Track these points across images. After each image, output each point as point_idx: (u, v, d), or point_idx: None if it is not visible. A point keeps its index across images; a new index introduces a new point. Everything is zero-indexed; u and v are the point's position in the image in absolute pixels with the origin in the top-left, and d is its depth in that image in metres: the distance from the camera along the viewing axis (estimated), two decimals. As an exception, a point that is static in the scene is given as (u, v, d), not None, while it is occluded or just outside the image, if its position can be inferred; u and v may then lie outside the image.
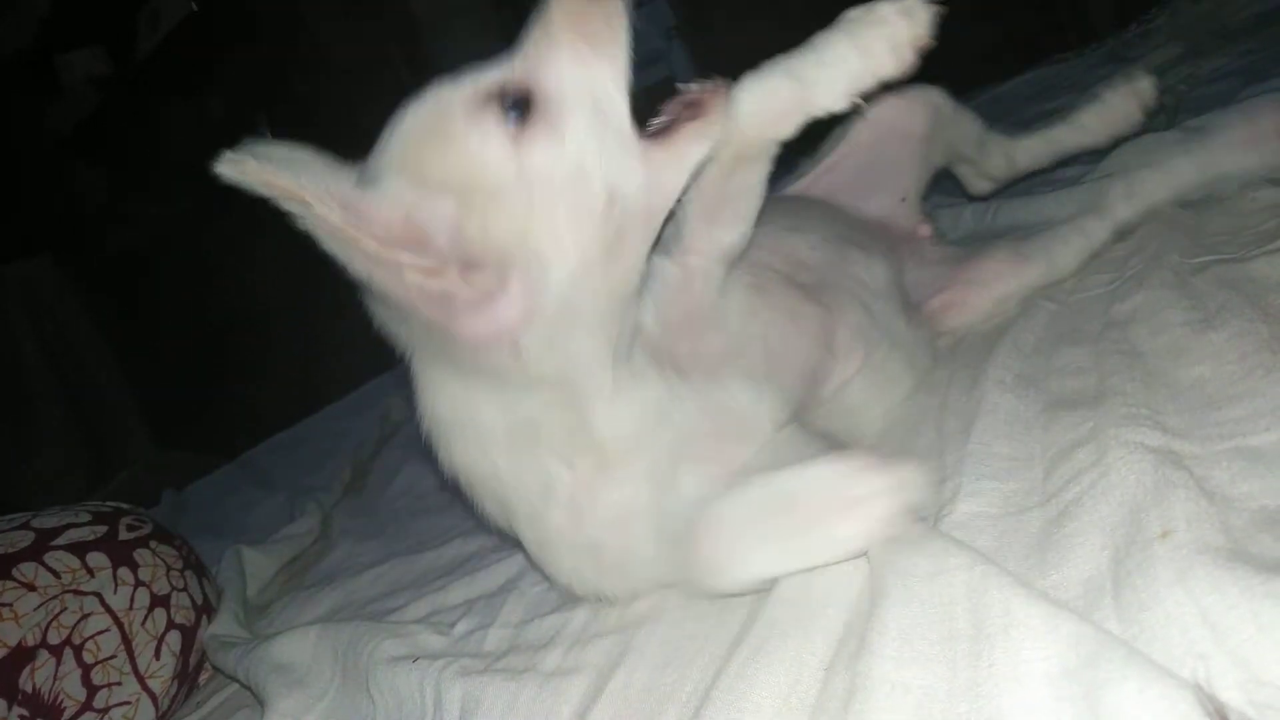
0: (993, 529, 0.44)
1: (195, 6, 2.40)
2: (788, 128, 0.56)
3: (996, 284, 0.74)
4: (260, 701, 0.65)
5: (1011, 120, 1.28)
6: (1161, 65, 1.19)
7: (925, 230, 0.86)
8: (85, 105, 2.66)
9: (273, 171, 0.44)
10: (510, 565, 0.70)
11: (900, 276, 0.76)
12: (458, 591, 0.70)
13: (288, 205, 0.45)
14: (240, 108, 2.62)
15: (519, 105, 0.48)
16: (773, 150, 0.57)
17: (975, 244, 0.87)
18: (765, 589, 0.48)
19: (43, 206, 2.67)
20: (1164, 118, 1.00)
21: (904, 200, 0.83)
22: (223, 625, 0.78)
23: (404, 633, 0.63)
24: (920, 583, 0.39)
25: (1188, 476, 0.40)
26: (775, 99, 0.55)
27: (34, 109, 2.70)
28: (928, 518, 0.46)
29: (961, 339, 0.73)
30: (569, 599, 0.59)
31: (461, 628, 0.64)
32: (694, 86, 0.53)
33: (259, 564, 0.94)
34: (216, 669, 0.76)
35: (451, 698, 0.53)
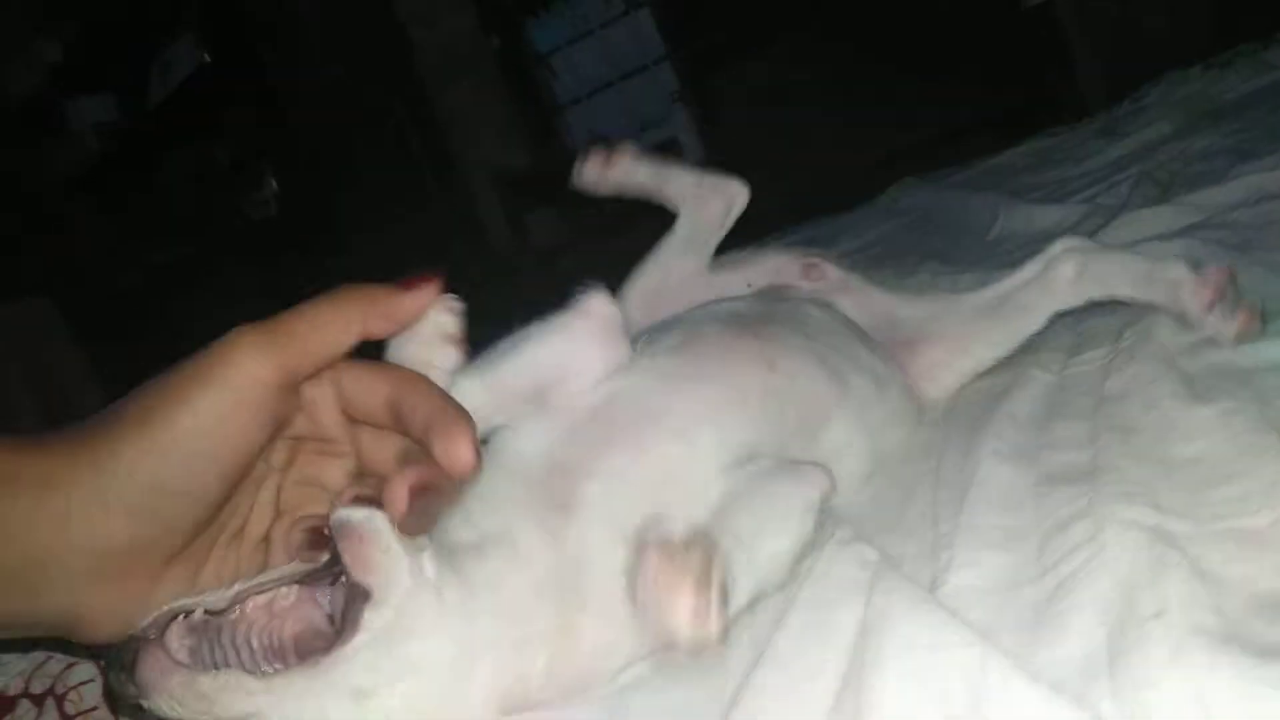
0: (985, 603, 0.43)
1: (208, 58, 2.45)
2: None
3: (937, 374, 0.75)
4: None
5: (1004, 189, 1.31)
6: (1153, 142, 1.22)
7: (814, 262, 0.85)
8: (91, 151, 2.70)
9: None
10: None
11: (849, 322, 0.77)
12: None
13: None
14: (245, 159, 2.66)
15: None
16: None
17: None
18: (756, 651, 0.48)
19: (43, 249, 2.68)
20: (1157, 192, 1.03)
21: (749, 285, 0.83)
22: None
23: None
24: (920, 655, 0.39)
25: (1181, 556, 0.40)
26: None
27: (40, 153, 2.74)
28: (924, 586, 0.46)
29: (946, 407, 0.73)
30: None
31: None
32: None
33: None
34: None
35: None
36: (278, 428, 0.45)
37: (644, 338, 0.67)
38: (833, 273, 0.86)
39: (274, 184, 2.63)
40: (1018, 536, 0.47)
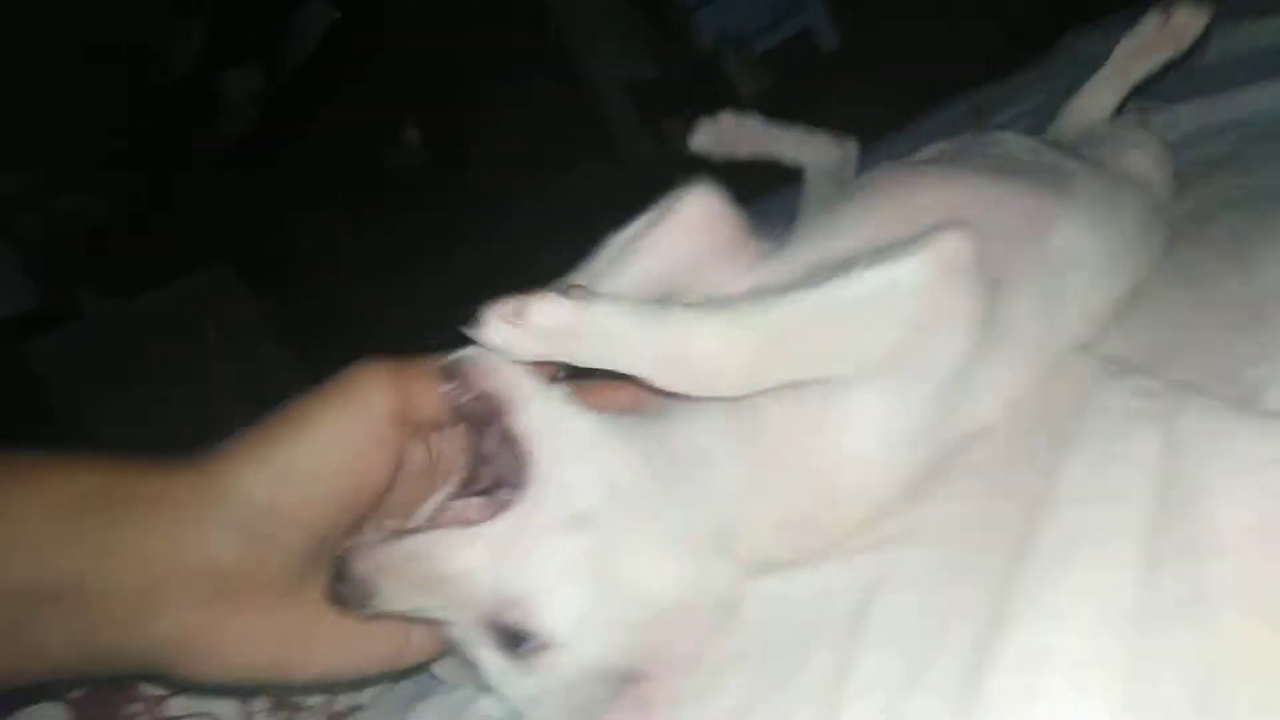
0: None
1: (338, 14, 2.50)
2: None
3: None
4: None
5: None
6: None
7: None
8: (247, 120, 2.83)
9: None
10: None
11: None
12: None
13: None
14: (385, 111, 2.72)
15: None
16: None
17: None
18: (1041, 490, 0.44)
19: (214, 220, 2.86)
20: None
21: None
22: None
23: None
24: (1260, 470, 0.36)
25: None
26: None
27: (200, 128, 2.90)
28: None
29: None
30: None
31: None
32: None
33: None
34: None
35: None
36: (398, 465, 0.44)
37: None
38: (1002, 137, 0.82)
39: (416, 133, 2.68)
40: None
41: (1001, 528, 0.46)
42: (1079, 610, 0.37)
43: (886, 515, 0.52)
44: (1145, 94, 1.03)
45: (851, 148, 0.91)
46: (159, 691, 0.59)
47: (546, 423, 0.44)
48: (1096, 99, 0.85)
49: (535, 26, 2.32)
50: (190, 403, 2.48)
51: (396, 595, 0.42)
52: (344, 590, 0.41)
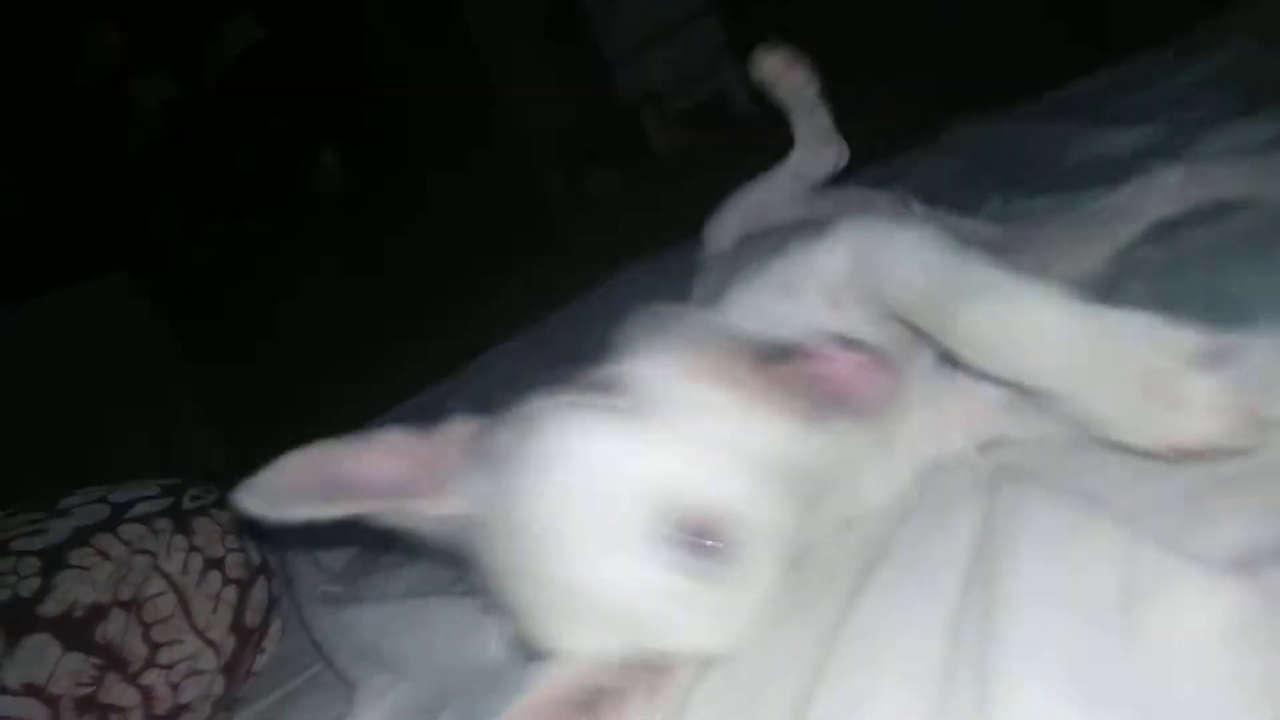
0: (1128, 493, 0.42)
1: (264, 33, 2.48)
2: None
3: None
4: (344, 679, 0.66)
5: (1075, 119, 1.26)
6: (1236, 60, 1.17)
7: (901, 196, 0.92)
8: (158, 128, 2.76)
9: None
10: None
11: None
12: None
13: None
14: (303, 132, 2.69)
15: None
16: None
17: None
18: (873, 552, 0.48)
19: (119, 226, 2.76)
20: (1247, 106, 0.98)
21: None
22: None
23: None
24: (1060, 543, 0.39)
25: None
26: None
27: (111, 133, 2.81)
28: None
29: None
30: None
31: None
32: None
33: (329, 555, 0.95)
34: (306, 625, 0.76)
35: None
36: None
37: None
38: (918, 207, 0.90)
39: (333, 157, 2.66)
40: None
41: (843, 572, 0.49)
42: (889, 665, 0.40)
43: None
44: (1015, 185, 1.11)
45: (844, 158, 0.95)
46: None
47: None
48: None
49: (463, 65, 2.34)
50: (75, 411, 2.38)
51: None
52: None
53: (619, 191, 2.29)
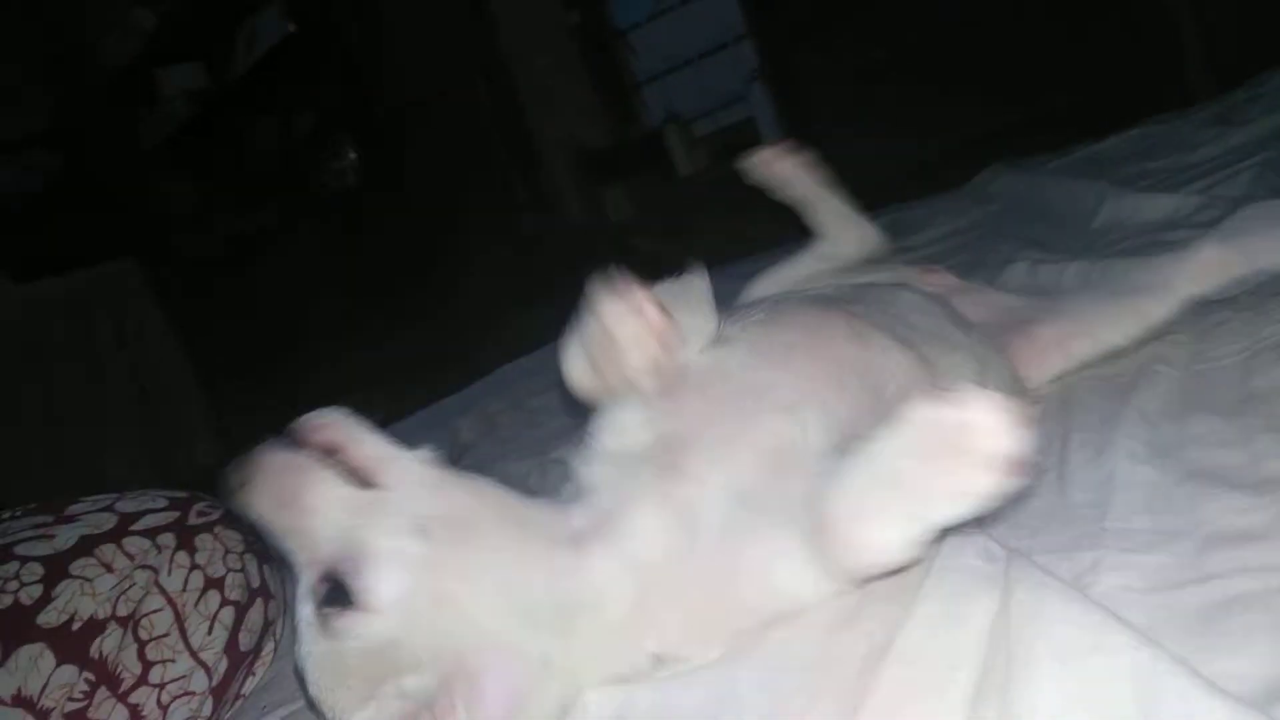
0: (1142, 604, 0.42)
1: (293, 28, 2.48)
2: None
3: (1047, 355, 0.73)
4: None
5: (1108, 177, 1.25)
6: (1275, 130, 1.16)
7: (933, 267, 0.90)
8: (178, 117, 2.77)
9: None
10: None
11: (947, 306, 0.75)
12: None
13: None
14: (326, 129, 2.69)
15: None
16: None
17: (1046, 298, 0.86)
18: (881, 639, 0.47)
19: (130, 212, 2.76)
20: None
21: None
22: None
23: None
24: (1078, 657, 0.38)
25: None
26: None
27: (130, 119, 2.81)
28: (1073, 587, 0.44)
29: (1050, 404, 0.71)
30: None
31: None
32: None
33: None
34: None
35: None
36: None
37: (733, 314, 0.68)
38: (951, 279, 0.88)
39: (353, 155, 2.66)
40: (1172, 537, 0.45)
41: (842, 663, 0.48)
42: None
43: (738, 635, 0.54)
44: (1041, 246, 1.10)
45: (874, 242, 0.93)
46: None
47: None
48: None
49: (491, 77, 2.34)
50: (77, 393, 2.38)
51: (259, 497, 0.52)
52: (228, 473, 0.52)
53: (639, 214, 2.28)
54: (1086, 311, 0.76)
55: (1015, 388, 0.70)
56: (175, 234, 2.79)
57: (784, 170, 0.88)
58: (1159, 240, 0.95)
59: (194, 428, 2.58)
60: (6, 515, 0.81)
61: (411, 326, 2.36)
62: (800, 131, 2.29)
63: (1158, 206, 1.05)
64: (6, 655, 0.65)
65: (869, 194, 1.88)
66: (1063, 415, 0.66)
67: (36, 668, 0.66)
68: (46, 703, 0.65)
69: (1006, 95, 1.93)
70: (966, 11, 1.99)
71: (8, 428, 2.26)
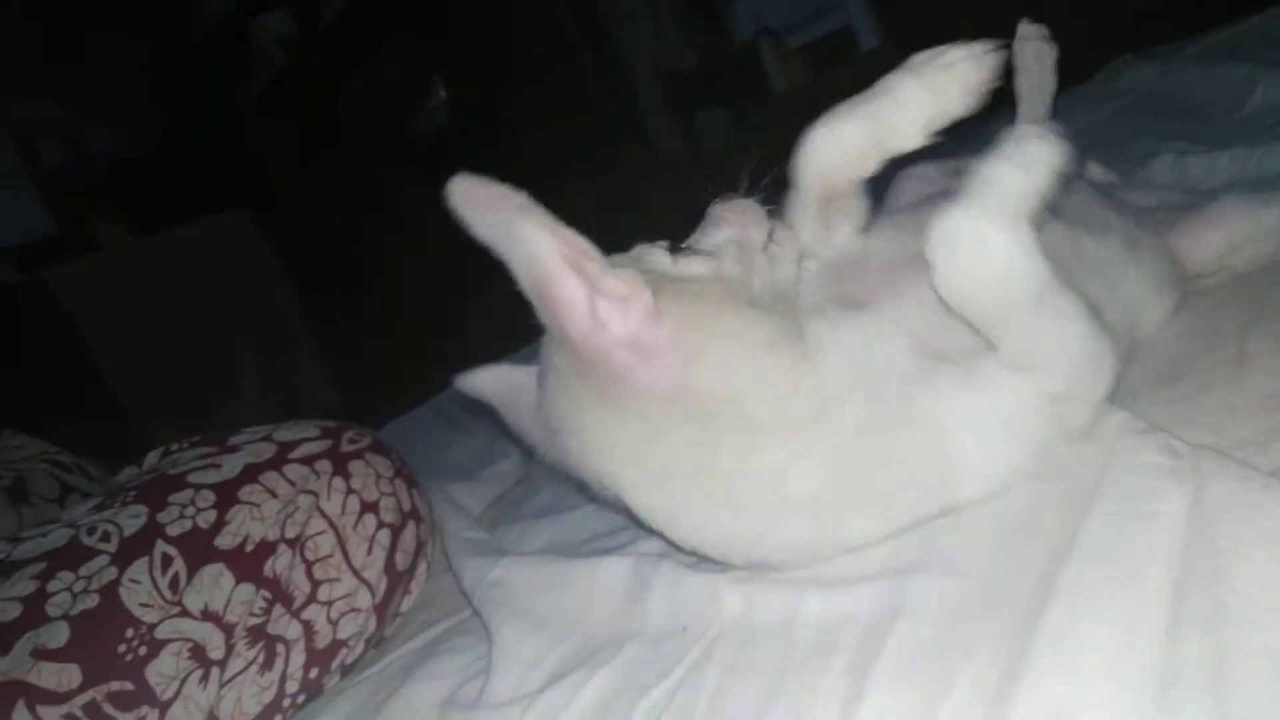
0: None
1: (378, -30, 2.48)
2: (867, 167, 0.60)
3: (1226, 225, 0.68)
4: (491, 634, 0.67)
5: (1255, 60, 1.15)
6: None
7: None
8: (274, 66, 2.82)
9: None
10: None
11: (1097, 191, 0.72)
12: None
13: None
14: (415, 70, 2.70)
15: None
16: (858, 186, 0.62)
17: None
18: (1060, 543, 0.46)
19: (238, 164, 2.85)
20: None
21: None
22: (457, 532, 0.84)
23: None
24: None
25: None
26: (854, 142, 0.59)
27: (229, 71, 2.88)
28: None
29: (1222, 295, 0.66)
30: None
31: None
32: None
33: (467, 499, 0.98)
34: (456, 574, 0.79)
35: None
36: None
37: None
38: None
39: (443, 95, 2.67)
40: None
41: (1021, 570, 0.47)
42: (1098, 669, 0.38)
43: (904, 543, 0.53)
44: (1186, 138, 1.03)
45: None
46: (151, 619, 0.67)
47: None
48: None
49: (576, 4, 2.30)
50: (201, 340, 2.50)
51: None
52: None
53: (732, 136, 2.23)
54: (1243, 217, 0.70)
55: (1171, 272, 0.67)
56: (280, 184, 2.87)
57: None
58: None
59: (311, 374, 2.69)
60: (174, 448, 0.86)
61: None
62: (904, 34, 2.18)
63: (1322, 83, 0.97)
64: (191, 575, 0.70)
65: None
66: (1238, 307, 0.62)
67: (219, 585, 0.70)
68: (230, 618, 0.70)
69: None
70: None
71: (140, 376, 2.41)
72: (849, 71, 2.10)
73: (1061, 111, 1.46)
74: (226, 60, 2.77)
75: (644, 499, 0.54)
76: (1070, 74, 1.59)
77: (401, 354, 2.53)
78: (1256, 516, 0.39)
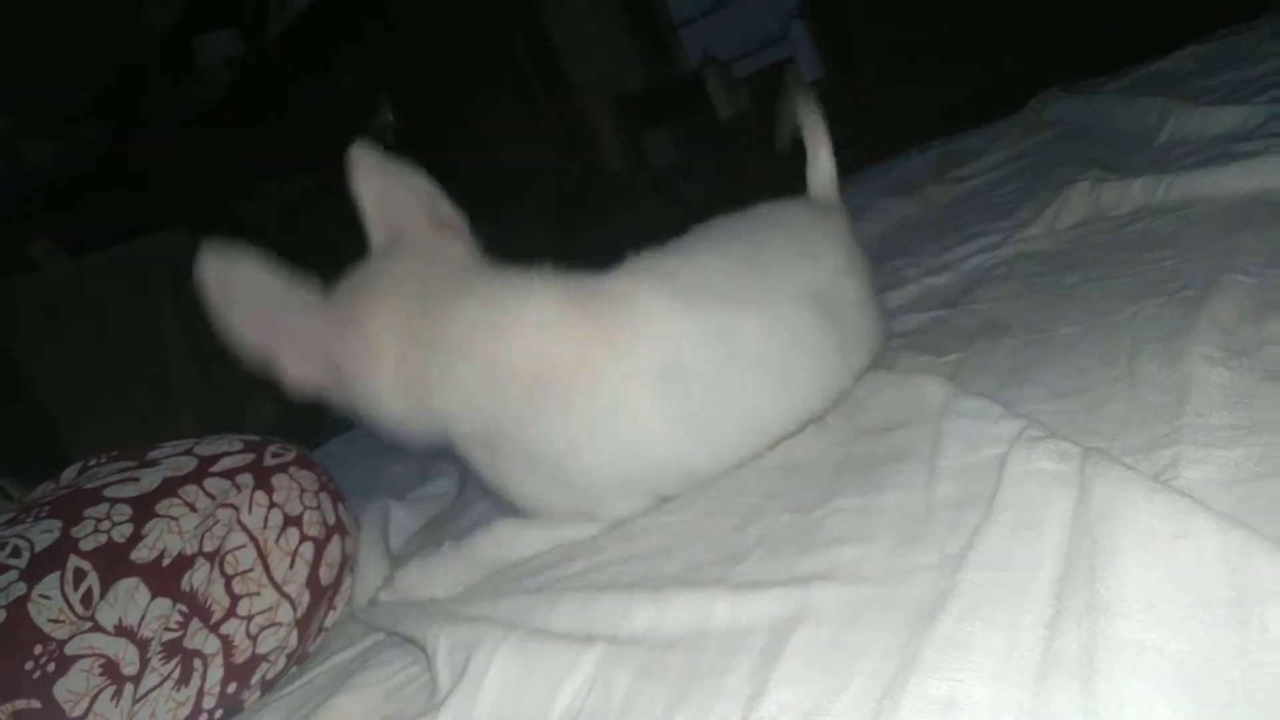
0: (1226, 494, 0.41)
1: (326, -12, 2.48)
2: None
3: None
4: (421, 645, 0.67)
5: (1170, 94, 1.21)
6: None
7: None
8: (219, 85, 2.79)
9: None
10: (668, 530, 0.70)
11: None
12: (611, 551, 0.70)
13: None
14: (365, 88, 2.70)
15: None
16: None
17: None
18: (955, 549, 0.47)
19: (179, 181, 2.80)
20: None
21: None
22: (368, 579, 0.83)
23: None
24: (1164, 543, 0.38)
25: None
26: None
27: (172, 88, 2.84)
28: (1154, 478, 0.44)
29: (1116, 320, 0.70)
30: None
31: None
32: None
33: (403, 519, 0.97)
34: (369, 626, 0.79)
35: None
36: None
37: None
38: None
39: (390, 114, 2.67)
40: (1252, 431, 0.45)
41: (918, 578, 0.49)
42: (984, 666, 0.39)
43: (809, 552, 0.55)
44: (1104, 167, 1.07)
45: None
46: (61, 635, 0.65)
47: None
48: None
49: (525, 25, 2.32)
50: (138, 360, 2.44)
51: None
52: None
53: (679, 158, 2.26)
54: None
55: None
56: (223, 201, 2.83)
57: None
58: (1228, 152, 0.92)
59: (253, 389, 2.64)
60: (92, 462, 0.85)
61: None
62: (844, 70, 2.25)
63: (1225, 118, 1.02)
64: (105, 590, 0.68)
65: (913, 133, 1.84)
66: (1130, 331, 0.65)
67: (134, 600, 0.69)
68: (145, 633, 0.69)
69: (1056, 27, 1.87)
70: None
71: (74, 395, 2.34)
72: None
73: (993, 142, 1.52)
74: (169, 79, 2.74)
75: None
76: (999, 113, 1.66)
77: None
78: (1133, 518, 0.41)
